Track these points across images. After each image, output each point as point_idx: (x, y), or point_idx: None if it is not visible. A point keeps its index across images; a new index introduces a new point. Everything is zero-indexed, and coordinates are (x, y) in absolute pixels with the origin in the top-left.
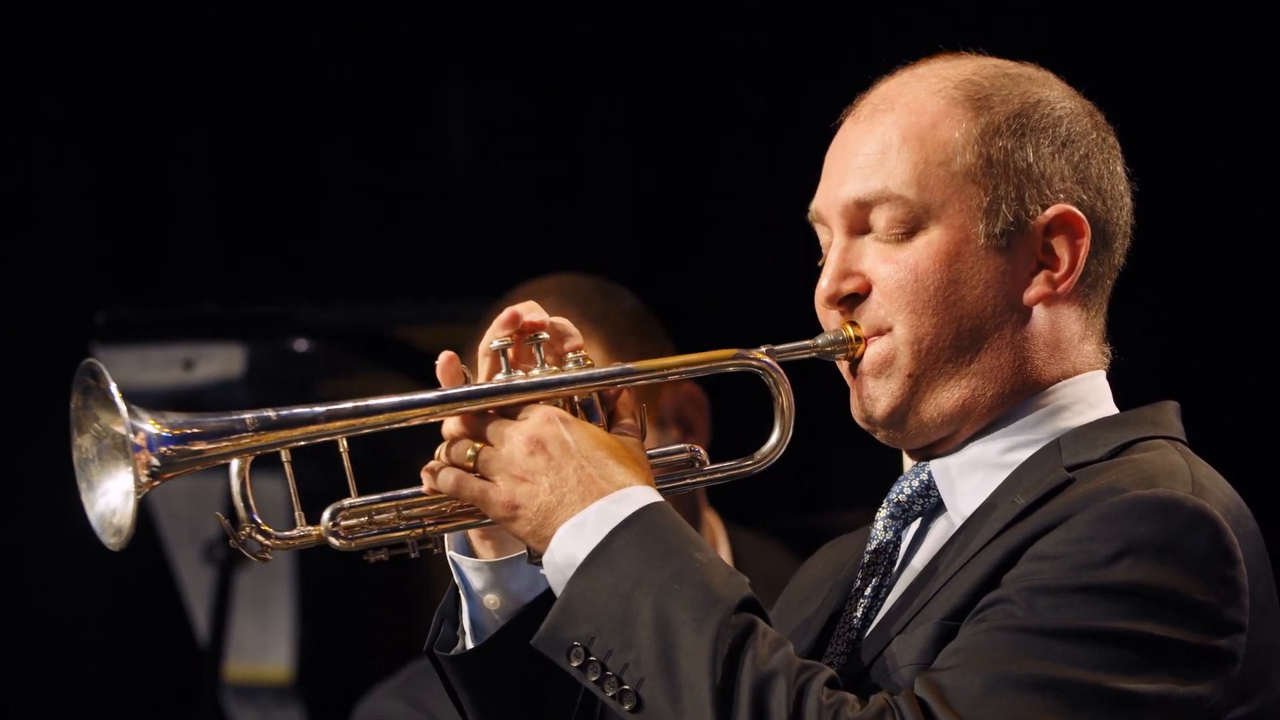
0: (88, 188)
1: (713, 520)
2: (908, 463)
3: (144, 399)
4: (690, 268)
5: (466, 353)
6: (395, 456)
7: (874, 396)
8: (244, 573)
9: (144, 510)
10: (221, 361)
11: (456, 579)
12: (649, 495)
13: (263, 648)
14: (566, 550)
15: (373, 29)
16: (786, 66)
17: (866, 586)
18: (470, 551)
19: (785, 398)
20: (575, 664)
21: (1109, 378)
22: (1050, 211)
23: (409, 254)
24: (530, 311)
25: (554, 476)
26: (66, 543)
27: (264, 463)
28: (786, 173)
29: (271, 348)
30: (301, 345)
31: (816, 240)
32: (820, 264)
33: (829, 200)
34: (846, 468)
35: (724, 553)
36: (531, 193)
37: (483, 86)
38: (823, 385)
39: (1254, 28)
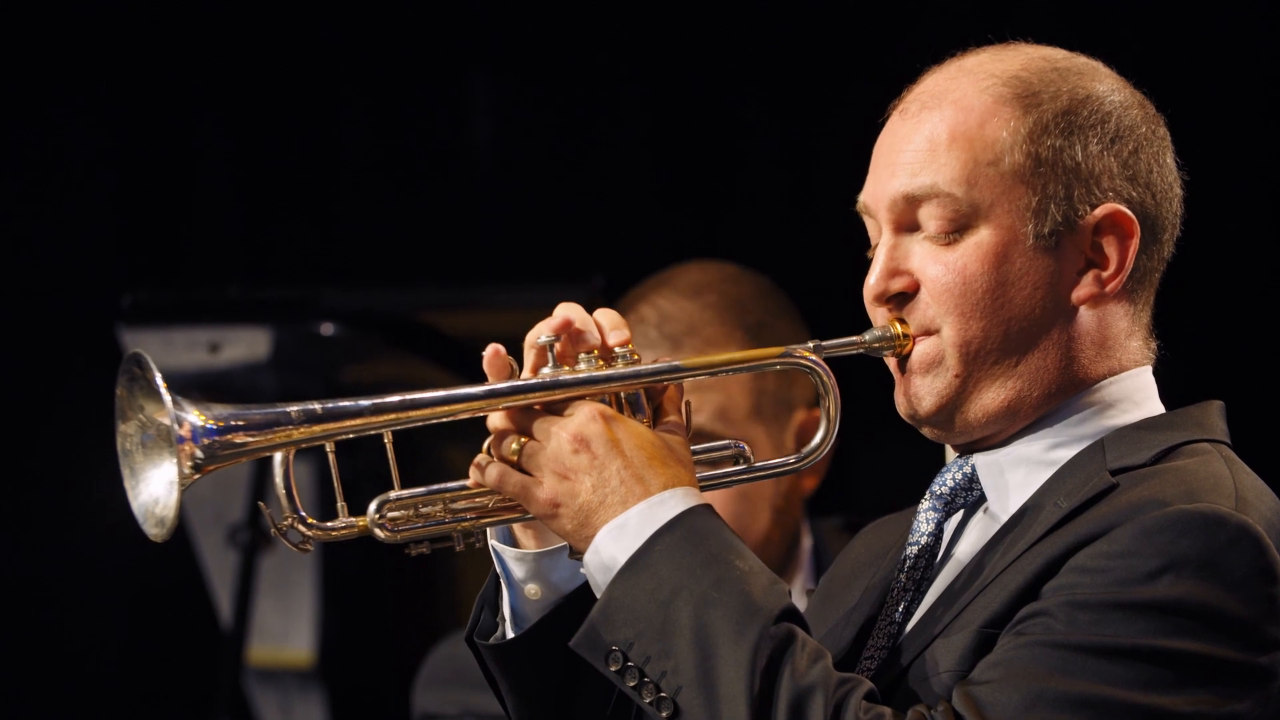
0: (113, 171)
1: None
2: (949, 453)
3: (170, 382)
4: (714, 255)
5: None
6: (420, 449)
7: (920, 395)
8: (267, 557)
9: None
10: (247, 345)
11: (498, 567)
12: (692, 498)
13: (285, 632)
14: (608, 552)
15: (398, 15)
16: (811, 56)
17: (908, 580)
18: (513, 541)
19: (832, 396)
20: (614, 668)
21: (1155, 372)
22: (1099, 211)
23: (433, 239)
24: (584, 325)
25: (597, 476)
26: (91, 526)
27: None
28: (807, 158)
29: (297, 331)
30: (327, 329)
31: (842, 231)
32: (870, 255)
33: (877, 194)
34: (876, 464)
35: (808, 544)
36: (555, 179)
37: (507, 73)
38: (856, 382)
39: None
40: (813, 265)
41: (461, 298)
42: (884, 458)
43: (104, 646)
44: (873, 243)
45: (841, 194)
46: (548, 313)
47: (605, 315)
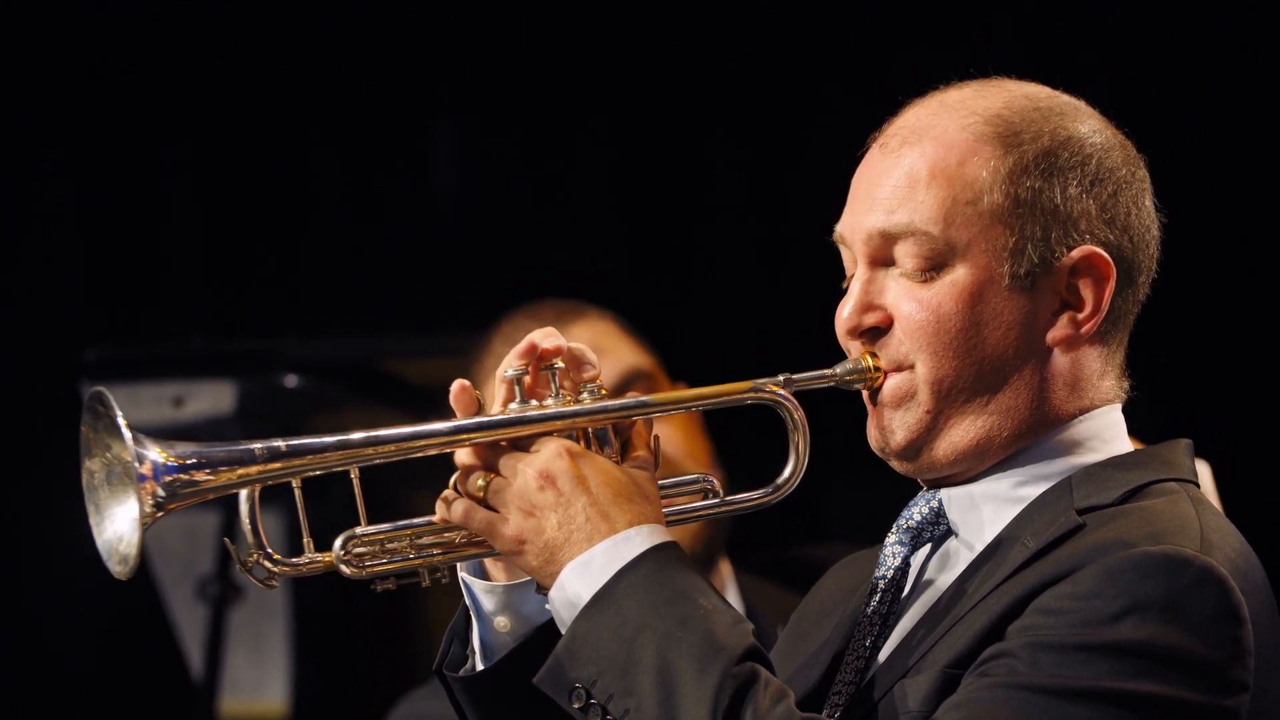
0: (76, 224)
1: (724, 567)
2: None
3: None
4: (681, 298)
5: (475, 375)
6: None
7: (891, 428)
8: (238, 609)
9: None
10: (212, 398)
11: (468, 600)
12: (658, 535)
13: (258, 683)
14: (573, 589)
15: (360, 65)
16: (775, 93)
17: (875, 614)
18: (483, 574)
19: (801, 433)
20: (576, 705)
21: (1125, 410)
22: (1076, 253)
23: (397, 288)
24: (547, 339)
25: (562, 513)
26: (57, 581)
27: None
28: (776, 200)
29: (261, 384)
30: (291, 380)
31: (811, 267)
32: (845, 285)
33: (854, 226)
34: (844, 498)
35: (732, 597)
36: (519, 225)
37: (470, 120)
38: (825, 415)
39: None
40: (777, 310)
41: (426, 345)
42: (857, 494)
43: (75, 703)
44: (848, 272)
45: (809, 239)
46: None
47: (574, 347)
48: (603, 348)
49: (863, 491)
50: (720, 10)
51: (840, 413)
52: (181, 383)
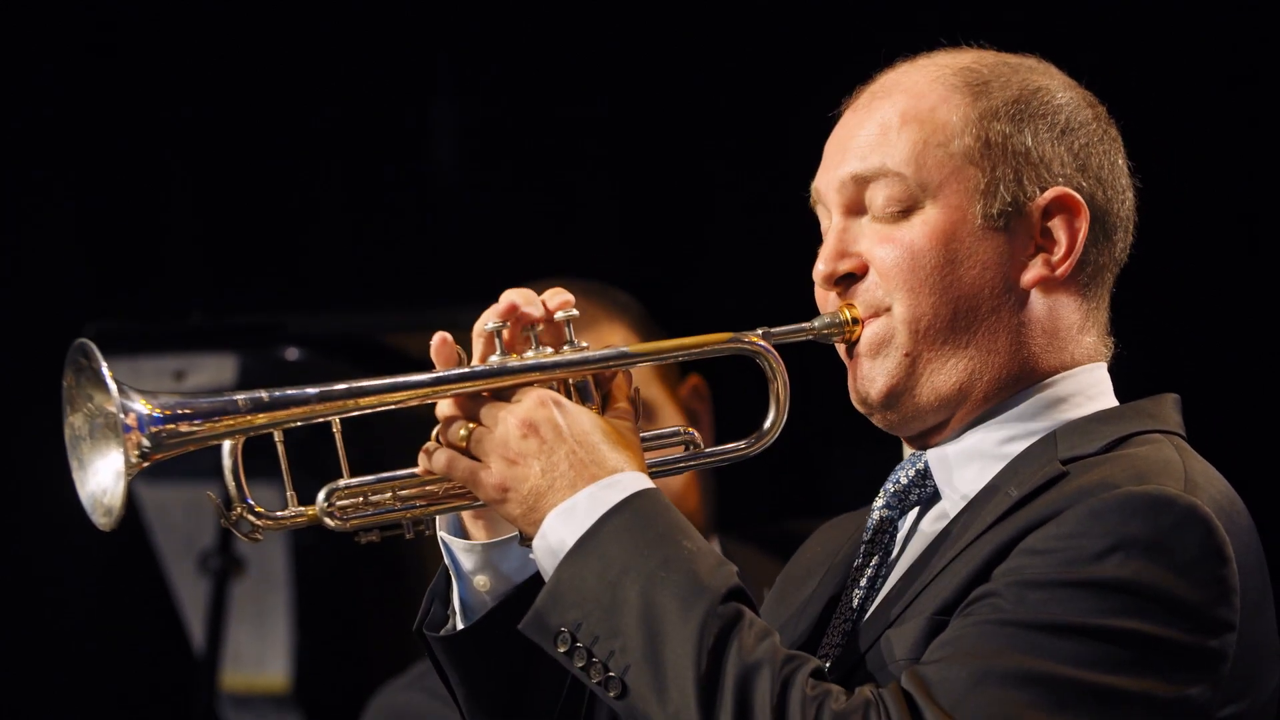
0: (75, 199)
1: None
2: (906, 452)
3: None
4: (681, 276)
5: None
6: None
7: (871, 377)
8: (240, 583)
9: (138, 521)
10: (213, 371)
11: (447, 560)
12: (640, 481)
13: (260, 658)
14: (556, 535)
15: (359, 38)
16: (776, 70)
17: (862, 575)
18: (462, 533)
19: (780, 381)
20: (562, 649)
21: (1111, 371)
22: (1048, 194)
23: (397, 261)
24: (528, 304)
25: (545, 460)
26: (60, 556)
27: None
28: (779, 177)
29: (262, 357)
30: (292, 354)
31: (810, 236)
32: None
33: (827, 180)
34: (842, 468)
35: None
36: (519, 198)
37: (469, 94)
38: (821, 381)
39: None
40: (779, 292)
41: (427, 319)
42: (853, 466)
43: (76, 677)
44: (824, 232)
45: (812, 227)
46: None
47: (551, 293)
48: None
49: (859, 464)
50: None
51: (835, 381)
52: (182, 356)
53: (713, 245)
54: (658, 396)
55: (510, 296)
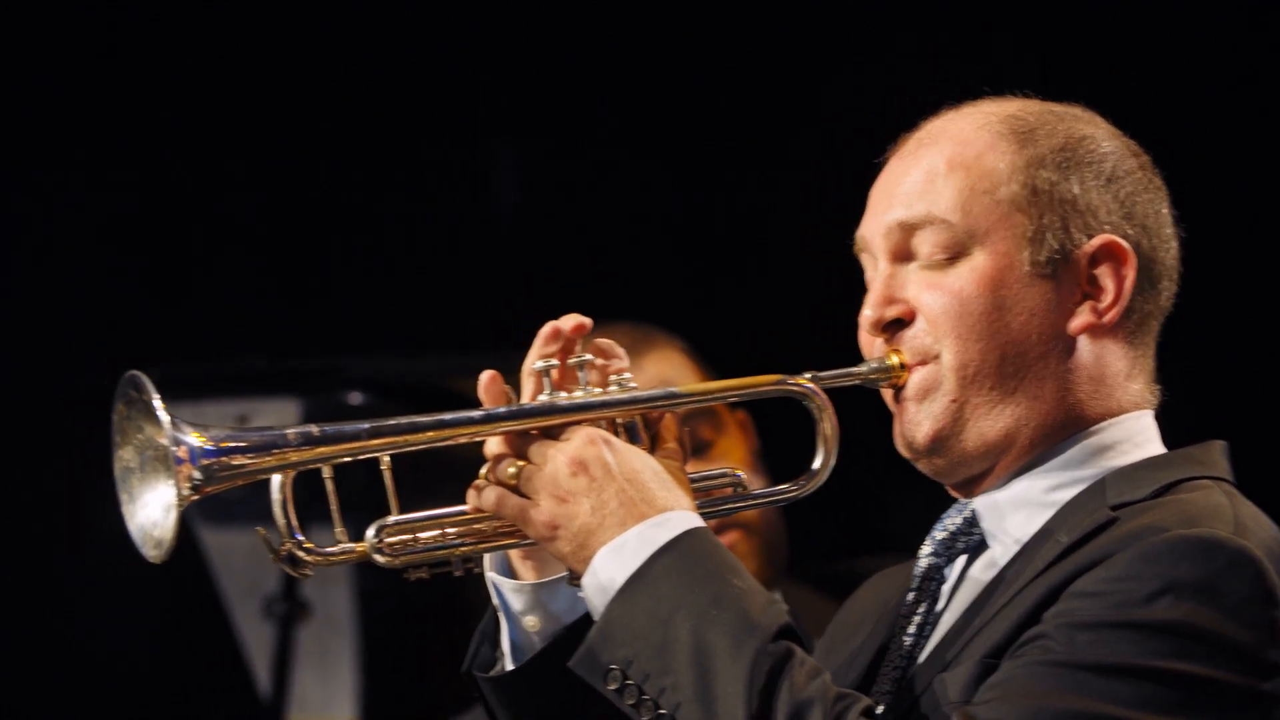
0: (140, 242)
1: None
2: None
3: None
4: (740, 320)
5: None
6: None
7: (917, 421)
8: (305, 627)
9: (201, 565)
10: (275, 416)
11: (496, 600)
12: (690, 520)
13: (325, 701)
14: (606, 573)
15: (425, 84)
16: (827, 105)
17: (910, 622)
18: (511, 573)
19: (829, 423)
20: (613, 687)
21: (1158, 418)
22: (1095, 241)
23: (461, 305)
24: (570, 323)
25: (595, 498)
26: (124, 600)
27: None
28: (835, 214)
29: (325, 401)
30: (355, 398)
31: (861, 278)
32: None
33: (873, 226)
34: (895, 511)
35: None
36: (580, 245)
37: (532, 139)
38: (870, 426)
39: None
40: (843, 335)
41: (488, 363)
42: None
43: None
44: (868, 280)
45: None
46: None
47: (601, 342)
48: (670, 380)
49: (914, 505)
50: (785, 31)
51: (887, 424)
52: (246, 400)
53: (773, 289)
54: (715, 411)
55: (550, 324)
